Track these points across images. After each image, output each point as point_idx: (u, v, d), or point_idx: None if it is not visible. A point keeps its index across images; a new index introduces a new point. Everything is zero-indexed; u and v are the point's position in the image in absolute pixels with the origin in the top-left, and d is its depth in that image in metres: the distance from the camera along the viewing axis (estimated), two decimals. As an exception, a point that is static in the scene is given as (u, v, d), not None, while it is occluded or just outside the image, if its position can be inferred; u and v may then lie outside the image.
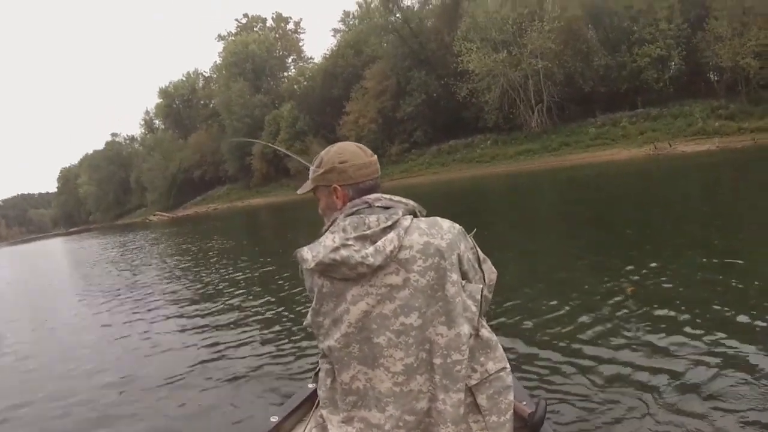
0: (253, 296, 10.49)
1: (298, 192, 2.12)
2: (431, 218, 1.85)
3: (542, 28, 34.13)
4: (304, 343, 6.51)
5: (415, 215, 1.87)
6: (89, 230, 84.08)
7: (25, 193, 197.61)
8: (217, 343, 7.50)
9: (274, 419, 2.59)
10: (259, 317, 8.70)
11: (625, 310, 5.47)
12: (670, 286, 6.11)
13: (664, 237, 8.94)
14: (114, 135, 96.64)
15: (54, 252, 44.13)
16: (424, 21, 45.42)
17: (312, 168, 1.95)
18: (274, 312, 8.75)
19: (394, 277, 1.76)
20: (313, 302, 1.83)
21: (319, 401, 2.14)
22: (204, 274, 14.60)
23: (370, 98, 43.27)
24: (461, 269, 1.84)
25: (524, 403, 2.33)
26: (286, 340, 6.86)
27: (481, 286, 1.92)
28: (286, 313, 8.33)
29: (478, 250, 1.92)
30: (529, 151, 34.57)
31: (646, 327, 4.89)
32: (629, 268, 6.92)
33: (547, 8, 34.73)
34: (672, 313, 5.16)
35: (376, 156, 1.91)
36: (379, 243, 1.74)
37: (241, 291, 11.16)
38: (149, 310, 11.35)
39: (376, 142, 40.68)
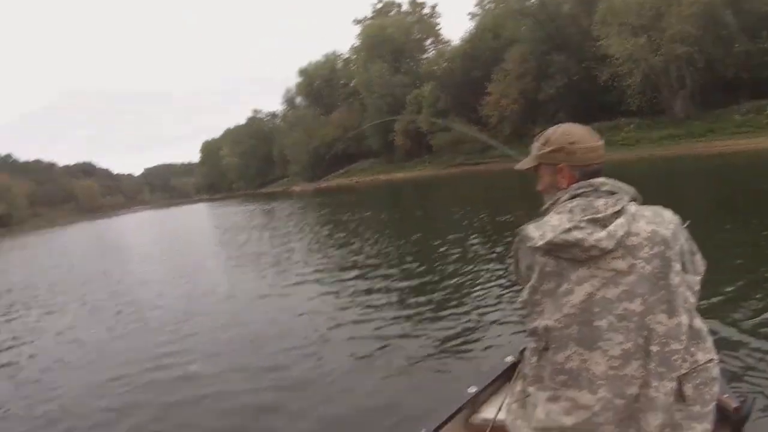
0: (426, 269, 10.47)
1: (517, 167, 2.20)
2: (654, 207, 1.89)
3: (680, 12, 34.18)
4: (495, 316, 6.78)
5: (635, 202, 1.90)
6: (232, 197, 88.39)
7: (168, 162, 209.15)
8: (400, 316, 7.58)
9: (472, 390, 2.66)
10: (437, 289, 8.72)
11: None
12: None
13: None
14: (255, 111, 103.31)
15: (198, 217, 48.29)
16: (560, 5, 46.43)
17: (536, 145, 2.03)
18: (454, 285, 8.80)
19: (620, 263, 1.79)
20: (532, 280, 1.88)
21: (516, 375, 2.25)
22: (362, 245, 14.76)
23: (512, 80, 44.80)
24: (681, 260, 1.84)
25: (726, 396, 2.34)
26: (476, 313, 7.06)
27: (698, 277, 1.92)
28: (473, 287, 8.40)
29: (692, 241, 1.93)
30: (673, 136, 34.72)
31: None
32: None
33: (684, -8, 34.33)
34: None
35: (602, 141, 1.98)
36: (611, 227, 1.78)
37: (409, 263, 11.21)
38: (315, 280, 11.47)
39: (519, 122, 42.07)
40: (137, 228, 48.26)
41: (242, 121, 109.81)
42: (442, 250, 11.97)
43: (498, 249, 10.77)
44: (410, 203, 28.48)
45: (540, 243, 1.81)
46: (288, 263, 13.91)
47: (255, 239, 20.93)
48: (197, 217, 48.60)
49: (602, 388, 1.79)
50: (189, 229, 36.09)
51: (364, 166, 64.35)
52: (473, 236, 13.02)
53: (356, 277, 10.66)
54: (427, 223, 17.68)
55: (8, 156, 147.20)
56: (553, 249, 1.81)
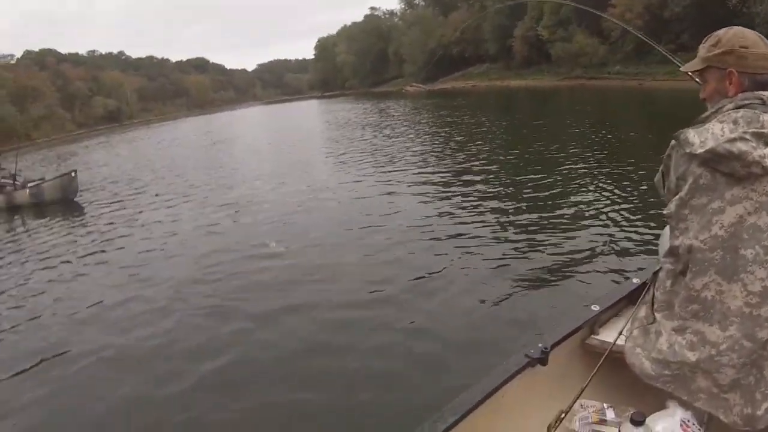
0: (547, 182, 10.23)
1: (682, 68, 2.07)
2: None
3: None
4: (621, 235, 6.72)
5: None
6: (345, 95, 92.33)
7: (281, 58, 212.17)
8: (520, 228, 7.61)
9: (596, 308, 2.63)
10: (559, 204, 8.62)
11: None
12: None
13: None
14: (373, 9, 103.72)
15: (311, 113, 50.69)
16: None
17: (704, 46, 1.88)
18: (577, 200, 8.74)
19: None
20: (683, 192, 1.77)
21: (642, 299, 2.21)
22: (479, 150, 14.72)
23: (638, -7, 43.44)
24: None
25: None
26: (600, 232, 6.97)
27: None
28: (598, 204, 8.37)
29: None
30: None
31: None
32: None
33: None
34: None
35: None
36: None
37: (529, 174, 10.99)
38: (431, 182, 11.56)
39: (642, 39, 41.18)
40: (248, 122, 51.72)
41: (359, 18, 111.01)
42: (563, 163, 11.93)
43: (623, 167, 10.86)
44: (528, 112, 27.98)
45: (700, 150, 1.70)
46: (403, 163, 14.19)
47: (369, 137, 21.38)
48: (310, 113, 51.75)
49: (734, 326, 1.70)
50: (301, 124, 37.82)
51: (480, 70, 65.05)
52: (596, 152, 13.11)
53: (473, 183, 10.88)
54: (546, 134, 17.23)
55: (121, 53, 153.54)
56: (712, 159, 1.69)
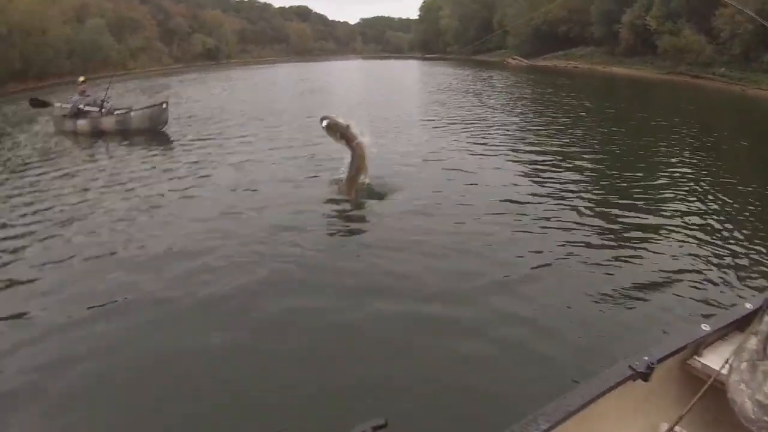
0: (655, 182, 9.83)
1: None
2: None
3: None
4: (739, 250, 6.30)
5: None
6: (445, 59, 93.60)
7: (385, 15, 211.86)
8: (621, 229, 7.22)
9: (706, 328, 2.53)
10: (666, 208, 8.16)
11: None
12: None
13: None
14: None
15: (411, 73, 50.62)
16: None
17: None
18: (685, 208, 8.27)
19: None
20: None
21: (752, 328, 2.15)
22: (584, 135, 14.33)
23: (752, -7, 42.47)
24: None
25: None
26: (714, 244, 6.57)
27: None
28: (711, 214, 7.97)
29: None
30: None
31: None
32: None
33: None
34: None
35: None
36: None
37: (635, 171, 10.49)
38: (528, 161, 11.39)
39: (750, 43, 40.53)
40: (346, 75, 52.77)
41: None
42: (668, 163, 11.51)
43: (732, 180, 10.37)
44: (632, 103, 26.97)
45: None
46: (502, 138, 14.05)
47: (472, 104, 21.32)
48: (410, 73, 52.54)
49: None
50: (400, 83, 38.36)
51: (584, 52, 65.47)
52: (702, 157, 12.62)
53: (573, 171, 10.63)
54: (651, 130, 16.63)
55: None
56: None
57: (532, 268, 6.07)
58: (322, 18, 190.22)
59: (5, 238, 7.67)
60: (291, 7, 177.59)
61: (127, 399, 4.18)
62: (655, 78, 44.74)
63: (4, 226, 8.30)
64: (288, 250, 6.72)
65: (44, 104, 18.25)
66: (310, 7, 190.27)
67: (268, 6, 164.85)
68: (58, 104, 17.77)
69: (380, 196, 8.66)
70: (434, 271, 6.07)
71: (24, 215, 8.79)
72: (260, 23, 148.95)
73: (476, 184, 9.57)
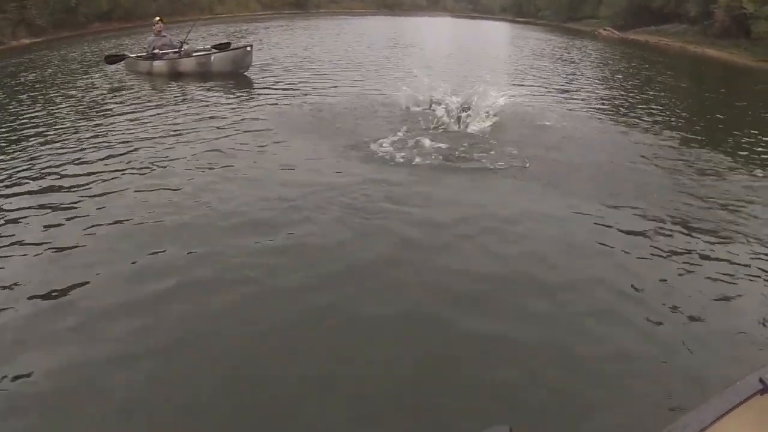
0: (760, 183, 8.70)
1: None
2: None
3: None
4: None
5: None
6: (536, 24, 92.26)
7: None
8: (716, 242, 6.38)
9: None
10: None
11: None
12: None
13: None
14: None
15: (499, 35, 50.85)
16: None
17: None
18: None
19: None
20: None
21: None
22: (677, 120, 13.63)
23: None
24: None
25: None
26: None
27: None
28: None
29: None
30: None
31: None
32: None
33: None
34: None
35: None
36: None
37: (739, 170, 9.52)
38: (622, 132, 11.36)
39: None
40: (436, 31, 52.25)
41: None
42: None
43: None
44: (732, 89, 25.61)
45: None
46: (595, 110, 13.86)
47: (561, 73, 21.22)
48: (500, 35, 52.48)
49: None
50: (490, 44, 38.42)
51: (677, 30, 63.35)
52: None
53: (674, 159, 9.81)
54: (753, 123, 15.06)
55: None
56: None
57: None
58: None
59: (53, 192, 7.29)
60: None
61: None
62: (749, 65, 42.92)
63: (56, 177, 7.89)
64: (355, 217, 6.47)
65: (121, 58, 17.72)
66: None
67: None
68: (132, 56, 17.56)
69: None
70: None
71: (81, 162, 8.49)
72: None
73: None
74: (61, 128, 10.58)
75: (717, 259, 6.03)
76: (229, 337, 4.37)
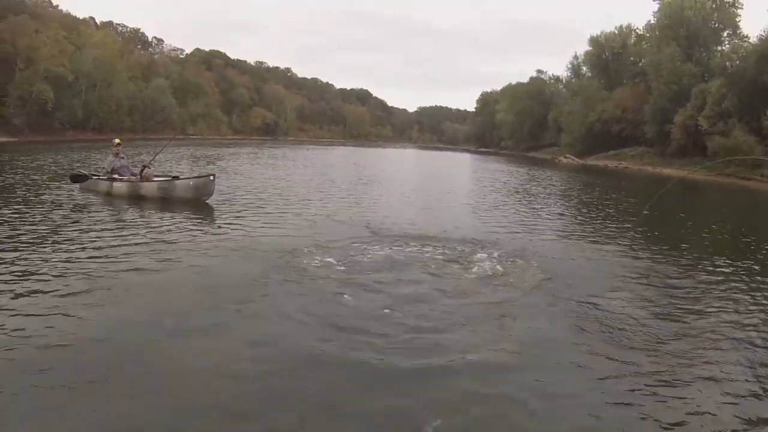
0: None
1: None
2: None
3: None
4: None
5: None
6: (499, 154, 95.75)
7: (443, 105, 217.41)
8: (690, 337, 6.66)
9: None
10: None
11: None
12: None
13: None
14: (539, 72, 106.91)
15: (464, 169, 50.18)
16: None
17: None
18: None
19: None
20: None
21: None
22: (644, 244, 13.51)
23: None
24: None
25: None
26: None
27: None
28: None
29: None
30: None
31: None
32: None
33: None
34: None
35: None
36: None
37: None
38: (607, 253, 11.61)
39: None
40: (401, 164, 53.24)
41: (522, 78, 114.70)
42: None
43: None
44: (700, 211, 25.99)
45: None
46: (555, 237, 13.80)
47: (524, 212, 19.72)
48: (463, 167, 52.97)
49: None
50: (453, 177, 38.68)
51: (635, 152, 65.67)
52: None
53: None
54: (719, 241, 15.37)
55: (287, 69, 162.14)
56: None
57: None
58: (381, 103, 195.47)
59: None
60: (352, 89, 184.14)
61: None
62: (705, 179, 44.78)
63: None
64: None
65: (84, 178, 17.63)
66: (370, 91, 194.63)
67: (329, 86, 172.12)
68: (94, 177, 17.59)
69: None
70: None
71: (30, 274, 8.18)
72: (320, 103, 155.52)
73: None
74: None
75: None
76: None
